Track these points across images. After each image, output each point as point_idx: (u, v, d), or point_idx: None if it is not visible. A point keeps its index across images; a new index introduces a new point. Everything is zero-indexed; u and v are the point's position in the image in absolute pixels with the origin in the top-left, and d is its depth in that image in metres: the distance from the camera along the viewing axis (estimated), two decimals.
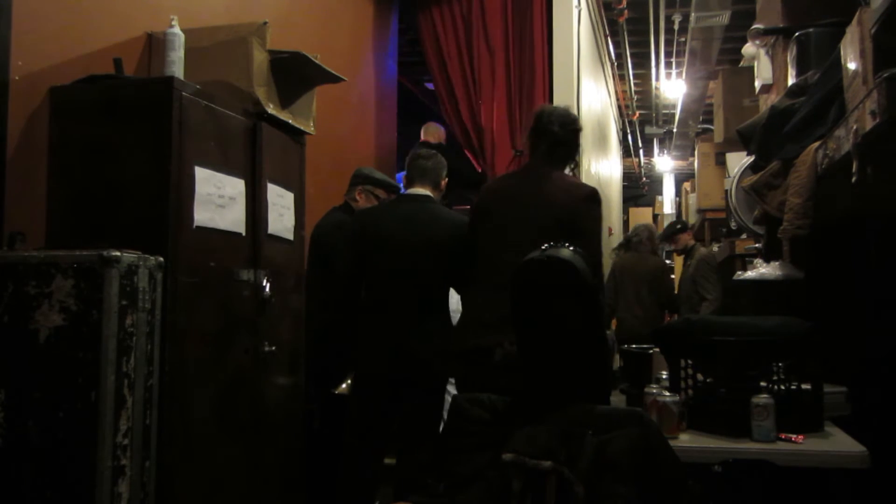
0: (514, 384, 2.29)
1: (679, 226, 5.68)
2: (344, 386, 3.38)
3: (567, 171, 2.83)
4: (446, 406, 2.93)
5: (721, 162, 5.60)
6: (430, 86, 7.33)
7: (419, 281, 2.88)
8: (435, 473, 1.80)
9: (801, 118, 2.41)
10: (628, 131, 11.00)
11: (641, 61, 8.39)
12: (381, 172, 3.59)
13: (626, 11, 6.48)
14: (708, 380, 2.20)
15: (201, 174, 2.27)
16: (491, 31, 4.80)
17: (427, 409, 2.90)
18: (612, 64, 7.67)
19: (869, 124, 1.66)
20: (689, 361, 2.26)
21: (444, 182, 3.04)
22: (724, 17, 5.99)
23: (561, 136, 2.70)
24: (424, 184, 3.00)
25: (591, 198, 2.64)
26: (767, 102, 3.49)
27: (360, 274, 2.99)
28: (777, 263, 2.92)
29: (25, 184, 2.19)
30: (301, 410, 2.95)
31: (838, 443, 2.02)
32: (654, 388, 2.23)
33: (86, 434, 1.80)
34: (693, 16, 6.09)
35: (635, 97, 9.66)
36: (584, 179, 5.11)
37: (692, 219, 7.25)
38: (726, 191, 4.43)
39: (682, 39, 7.25)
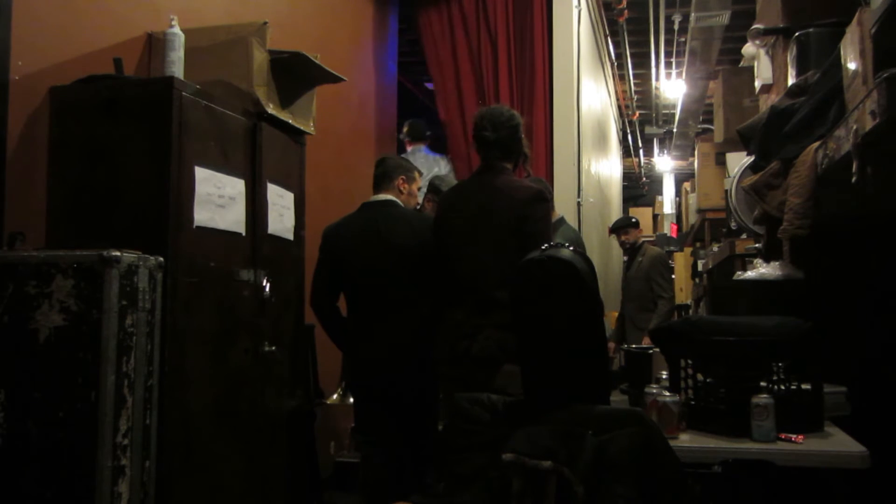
0: (491, 379, 2.32)
1: (633, 220, 5.61)
2: (335, 396, 3.39)
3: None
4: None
5: (721, 162, 5.58)
6: (430, 86, 7.34)
7: (387, 284, 2.88)
8: (435, 473, 1.80)
9: (801, 118, 2.40)
10: (628, 131, 11.00)
11: (641, 61, 8.39)
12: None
13: (626, 11, 6.48)
14: (708, 380, 2.20)
15: (201, 174, 2.27)
16: (490, 31, 4.80)
17: (409, 414, 2.89)
18: (612, 64, 7.67)
19: (869, 124, 1.66)
20: (689, 361, 2.26)
21: (400, 180, 3.02)
22: (724, 17, 5.99)
23: (494, 138, 2.68)
24: (380, 190, 3.02)
25: (535, 199, 2.62)
26: (767, 102, 3.49)
27: (332, 282, 2.98)
28: (777, 263, 2.91)
29: (25, 184, 2.19)
30: (301, 410, 2.95)
31: (838, 443, 2.01)
32: (654, 388, 2.23)
33: (86, 434, 1.80)
34: (693, 16, 6.09)
35: (635, 97, 9.66)
36: (584, 179, 5.12)
37: (692, 219, 7.24)
38: (726, 191, 4.42)
39: (682, 39, 7.25)
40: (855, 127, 1.76)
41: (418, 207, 3.20)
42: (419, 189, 3.17)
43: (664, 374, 2.44)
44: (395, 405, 2.88)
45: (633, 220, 5.61)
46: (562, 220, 3.92)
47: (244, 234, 2.50)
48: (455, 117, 4.89)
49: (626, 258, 5.58)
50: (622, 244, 5.50)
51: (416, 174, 3.13)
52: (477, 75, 4.82)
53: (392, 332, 2.85)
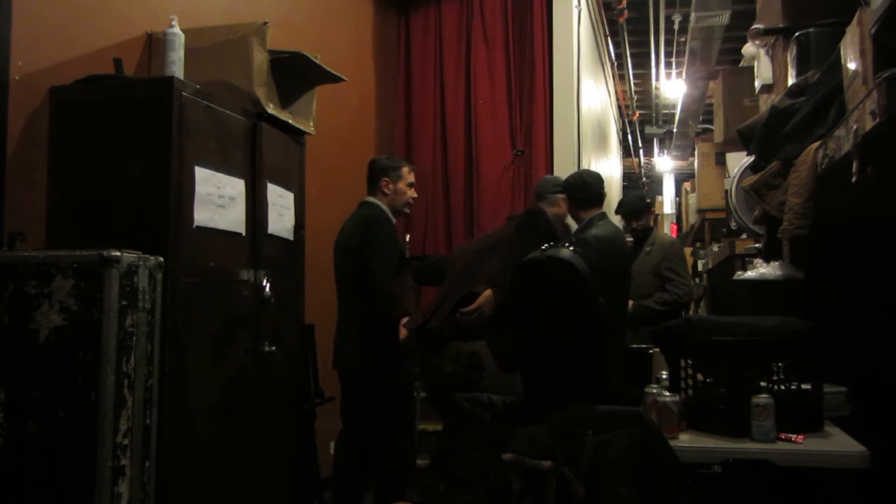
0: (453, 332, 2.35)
1: (648, 201, 4.50)
2: None
3: None
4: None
5: (721, 162, 5.58)
6: None
7: (339, 281, 3.04)
8: (435, 473, 1.80)
9: (801, 118, 2.40)
10: (628, 131, 11.01)
11: (641, 61, 8.40)
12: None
13: (626, 11, 6.49)
14: (708, 380, 2.20)
15: (201, 174, 2.27)
16: (490, 30, 4.81)
17: (351, 403, 3.00)
18: (612, 64, 7.67)
19: (869, 124, 1.66)
20: (689, 361, 2.25)
21: (383, 182, 3.10)
22: (724, 17, 6.00)
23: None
24: (369, 193, 3.15)
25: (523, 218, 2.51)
26: (767, 102, 3.48)
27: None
28: (777, 263, 2.91)
29: (25, 184, 2.19)
30: (301, 410, 2.95)
31: (838, 443, 2.01)
32: (654, 388, 2.23)
33: (86, 434, 1.80)
34: (693, 16, 6.10)
35: (635, 97, 9.67)
36: None
37: (692, 218, 7.24)
38: (726, 191, 4.42)
39: (682, 39, 7.26)
40: (855, 127, 1.76)
41: (410, 203, 3.22)
42: (410, 184, 3.22)
43: (664, 374, 2.44)
44: (356, 394, 3.00)
45: (648, 200, 4.51)
46: (597, 219, 3.61)
47: (244, 234, 2.50)
48: (439, 120, 4.90)
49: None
50: (632, 231, 4.33)
51: (405, 170, 3.16)
52: (468, 76, 4.82)
53: (344, 323, 3.01)
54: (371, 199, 3.11)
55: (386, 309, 2.69)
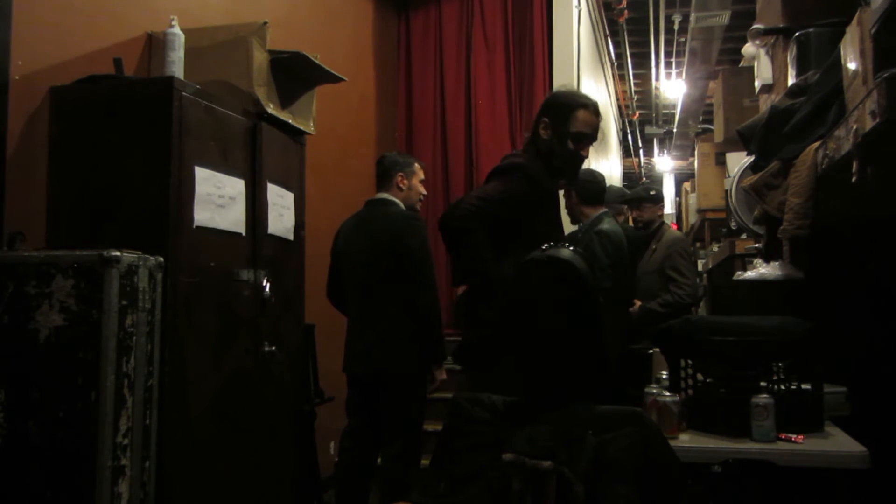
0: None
1: (652, 192, 4.10)
2: None
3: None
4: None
5: (721, 162, 5.58)
6: None
7: (370, 283, 2.98)
8: (435, 473, 1.80)
9: (801, 118, 2.40)
10: (628, 131, 11.02)
11: (641, 61, 8.41)
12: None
13: (626, 11, 6.50)
14: (708, 380, 2.20)
15: (201, 174, 2.27)
16: (490, 30, 4.81)
17: (391, 409, 2.96)
18: (612, 64, 7.67)
19: (869, 124, 1.66)
20: (689, 361, 2.25)
21: (399, 177, 3.08)
22: (724, 17, 6.01)
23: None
24: (380, 189, 3.12)
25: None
26: (767, 102, 3.48)
27: (337, 276, 3.13)
28: (777, 263, 2.92)
29: (25, 184, 2.18)
30: (301, 410, 2.95)
31: (838, 443, 2.01)
32: (654, 388, 2.23)
33: (86, 434, 1.80)
34: (693, 16, 6.10)
35: (635, 97, 9.68)
36: None
37: (692, 218, 7.24)
38: (726, 191, 4.43)
39: (682, 39, 7.27)
40: (855, 127, 1.76)
41: (421, 199, 3.22)
42: (421, 181, 3.21)
43: (664, 374, 2.44)
44: (375, 398, 2.97)
45: (652, 192, 4.13)
46: (604, 215, 3.55)
47: (244, 234, 2.50)
48: (439, 120, 4.90)
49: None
50: (634, 223, 4.12)
51: (417, 166, 3.16)
52: (468, 76, 4.82)
53: (375, 327, 2.95)
54: (387, 195, 3.07)
55: (436, 308, 2.85)
